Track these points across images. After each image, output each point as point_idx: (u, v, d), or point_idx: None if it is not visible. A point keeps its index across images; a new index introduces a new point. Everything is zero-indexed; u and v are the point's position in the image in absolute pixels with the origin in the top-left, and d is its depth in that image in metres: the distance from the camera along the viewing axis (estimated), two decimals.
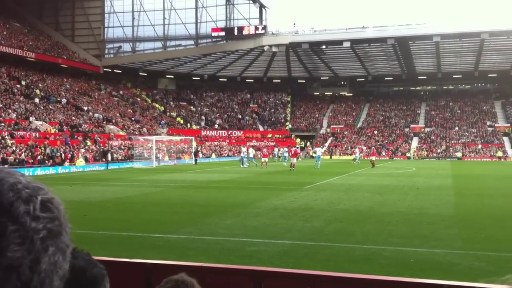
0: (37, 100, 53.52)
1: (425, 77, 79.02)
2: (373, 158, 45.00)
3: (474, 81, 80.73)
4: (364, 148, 60.00)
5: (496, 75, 74.02)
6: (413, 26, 61.33)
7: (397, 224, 13.81)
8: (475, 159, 63.21)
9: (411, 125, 75.46)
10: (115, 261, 3.95)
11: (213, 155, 60.81)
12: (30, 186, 0.85)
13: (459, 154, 64.83)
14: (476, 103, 78.26)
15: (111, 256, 4.13)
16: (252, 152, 48.98)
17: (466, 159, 63.37)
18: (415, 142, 71.12)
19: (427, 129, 74.00)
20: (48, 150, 40.83)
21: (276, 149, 60.27)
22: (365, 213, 15.92)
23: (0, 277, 0.76)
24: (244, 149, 47.23)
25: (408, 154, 66.18)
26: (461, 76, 76.75)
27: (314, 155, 54.62)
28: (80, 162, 41.38)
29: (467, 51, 66.07)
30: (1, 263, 0.77)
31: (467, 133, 70.98)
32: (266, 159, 44.12)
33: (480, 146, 66.89)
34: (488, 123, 72.75)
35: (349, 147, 67.51)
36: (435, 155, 66.55)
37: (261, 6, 67.63)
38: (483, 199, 19.64)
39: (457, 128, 72.94)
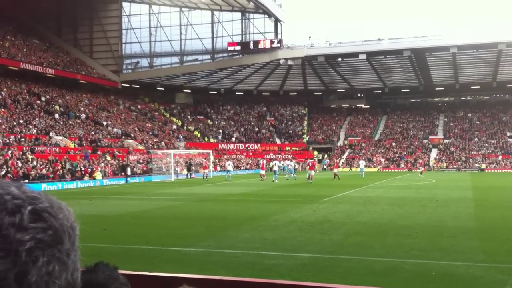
0: (57, 115, 54.26)
1: (443, 88, 78.42)
2: (336, 170, 44.85)
3: (492, 92, 79.92)
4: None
5: None
6: (429, 37, 61.07)
7: (417, 236, 13.65)
8: (495, 170, 62.38)
9: (430, 137, 74.82)
10: (134, 275, 3.96)
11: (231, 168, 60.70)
12: (23, 196, 0.82)
13: (483, 166, 63.88)
14: (495, 114, 77.40)
15: (130, 269, 4.11)
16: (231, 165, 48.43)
17: (486, 170, 62.58)
18: (434, 154, 70.47)
19: (446, 141, 73.30)
20: (68, 165, 41.30)
21: (273, 162, 56.95)
22: (384, 225, 15.75)
23: None
24: (276, 162, 46.31)
25: (416, 171, 64.57)
26: (479, 87, 76.03)
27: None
28: (98, 175, 41.79)
29: (485, 62, 65.49)
30: None
31: (486, 144, 70.15)
32: (263, 171, 43.52)
33: (500, 157, 66.01)
34: (508, 134, 71.84)
35: (367, 159, 67.09)
36: (455, 166, 65.83)
37: (276, 20, 68.01)
38: (504, 211, 19.32)
39: (476, 139, 72.14)
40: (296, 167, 59.41)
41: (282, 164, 52.14)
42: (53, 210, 0.84)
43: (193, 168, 51.70)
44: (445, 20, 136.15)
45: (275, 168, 42.94)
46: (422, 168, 52.90)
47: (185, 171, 51.34)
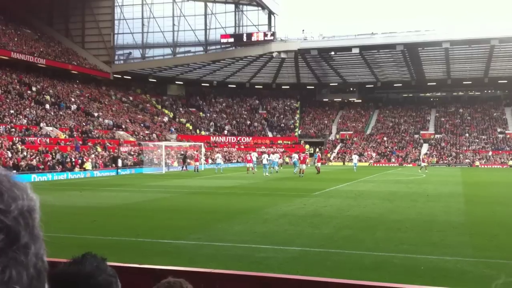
0: (47, 106, 53.90)
1: (435, 83, 78.68)
2: (319, 164, 45.44)
3: (484, 88, 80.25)
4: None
5: (506, 81, 73.51)
6: (422, 32, 61.16)
7: (407, 231, 13.72)
8: (485, 166, 62.78)
9: (421, 132, 75.13)
10: (124, 267, 3.94)
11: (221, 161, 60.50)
12: None
13: (477, 163, 63.91)
14: (486, 110, 77.80)
15: (120, 261, 4.09)
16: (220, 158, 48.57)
17: (481, 166, 62.89)
18: (424, 149, 70.78)
19: (437, 136, 73.63)
20: (58, 156, 41.08)
21: (263, 156, 55.31)
22: (374, 219, 15.82)
23: None
24: (265, 155, 46.20)
25: (407, 165, 64.81)
26: (471, 82, 76.34)
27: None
28: (88, 166, 41.63)
29: (477, 58, 65.73)
30: None
31: (477, 140, 70.55)
32: (251, 165, 43.69)
33: (490, 153, 66.42)
34: (499, 130, 72.28)
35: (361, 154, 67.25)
36: (445, 161, 66.15)
37: (270, 13, 67.75)
38: (494, 206, 19.45)
39: (467, 134, 72.53)
40: (288, 160, 59.56)
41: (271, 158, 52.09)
42: (3, 203, 0.71)
43: (188, 160, 51.60)
44: (441, 18, 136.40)
45: (265, 162, 43.00)
46: (425, 163, 50.76)
47: (176, 164, 51.14)
